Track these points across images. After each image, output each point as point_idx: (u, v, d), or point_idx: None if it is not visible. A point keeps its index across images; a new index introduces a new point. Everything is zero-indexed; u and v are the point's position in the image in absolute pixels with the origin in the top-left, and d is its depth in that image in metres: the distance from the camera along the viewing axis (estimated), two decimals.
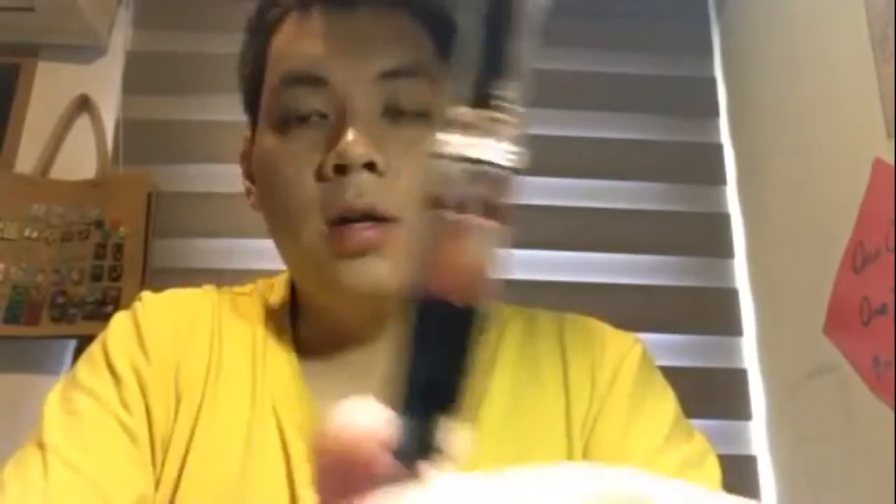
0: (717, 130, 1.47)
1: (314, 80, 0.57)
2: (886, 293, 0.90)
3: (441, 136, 0.26)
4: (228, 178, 1.35)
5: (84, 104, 1.39)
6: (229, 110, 1.36)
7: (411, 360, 0.25)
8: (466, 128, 0.25)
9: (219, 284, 0.68)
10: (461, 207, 0.25)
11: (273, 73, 0.60)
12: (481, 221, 0.25)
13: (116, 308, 1.24)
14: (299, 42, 0.59)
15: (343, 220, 0.55)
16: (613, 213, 1.40)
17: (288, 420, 0.58)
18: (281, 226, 0.59)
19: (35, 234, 1.29)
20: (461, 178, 0.25)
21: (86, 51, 1.41)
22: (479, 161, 0.25)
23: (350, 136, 0.54)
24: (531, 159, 0.26)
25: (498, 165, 0.25)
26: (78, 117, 1.39)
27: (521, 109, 0.26)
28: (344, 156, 0.54)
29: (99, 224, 1.29)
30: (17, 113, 1.37)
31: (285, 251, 0.61)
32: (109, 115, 1.39)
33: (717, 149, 1.45)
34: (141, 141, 1.38)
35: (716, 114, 1.47)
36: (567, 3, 1.34)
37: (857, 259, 0.98)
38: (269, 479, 0.56)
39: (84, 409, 0.56)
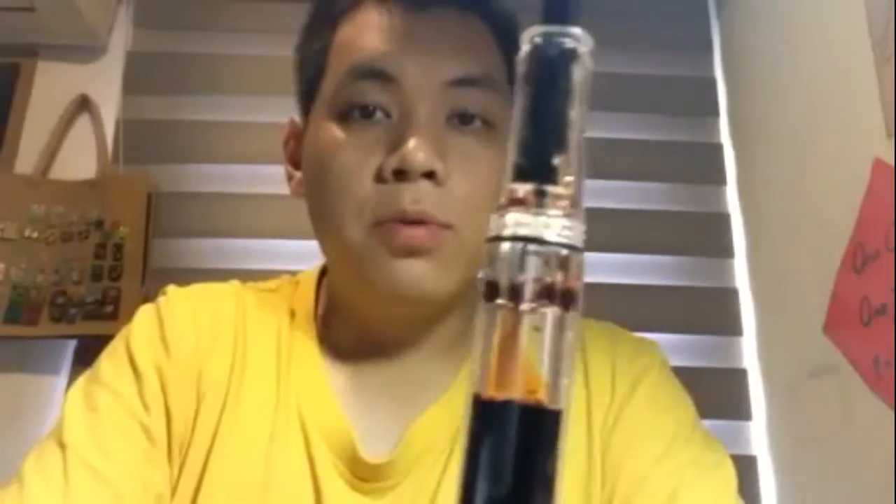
0: (717, 130, 1.47)
1: (384, 77, 0.56)
2: (886, 293, 0.90)
3: (493, 214, 0.24)
4: (228, 178, 1.36)
5: (84, 104, 1.39)
6: (230, 110, 1.39)
7: (469, 468, 0.22)
8: (519, 204, 0.23)
9: (242, 281, 0.67)
10: (514, 293, 0.22)
11: (339, 63, 0.58)
12: (536, 308, 0.22)
13: (116, 308, 1.24)
14: (372, 34, 0.57)
15: (394, 221, 0.54)
16: (613, 213, 1.40)
17: (313, 423, 0.57)
18: (327, 217, 0.57)
19: (35, 234, 1.29)
20: (512, 261, 0.23)
21: (86, 51, 1.41)
22: (530, 240, 0.23)
23: (413, 142, 0.53)
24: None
25: (551, 243, 0.23)
26: (78, 117, 1.39)
27: (578, 180, 0.24)
28: (405, 162, 0.53)
29: (99, 224, 1.29)
30: (16, 113, 1.37)
31: (327, 243, 0.59)
32: (109, 115, 1.39)
33: (717, 149, 1.45)
34: (141, 141, 1.38)
35: (716, 114, 1.47)
36: None
37: (857, 259, 0.98)
38: (293, 482, 0.55)
39: (104, 406, 0.56)
